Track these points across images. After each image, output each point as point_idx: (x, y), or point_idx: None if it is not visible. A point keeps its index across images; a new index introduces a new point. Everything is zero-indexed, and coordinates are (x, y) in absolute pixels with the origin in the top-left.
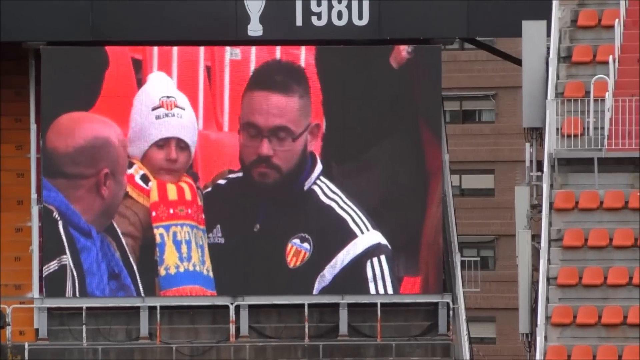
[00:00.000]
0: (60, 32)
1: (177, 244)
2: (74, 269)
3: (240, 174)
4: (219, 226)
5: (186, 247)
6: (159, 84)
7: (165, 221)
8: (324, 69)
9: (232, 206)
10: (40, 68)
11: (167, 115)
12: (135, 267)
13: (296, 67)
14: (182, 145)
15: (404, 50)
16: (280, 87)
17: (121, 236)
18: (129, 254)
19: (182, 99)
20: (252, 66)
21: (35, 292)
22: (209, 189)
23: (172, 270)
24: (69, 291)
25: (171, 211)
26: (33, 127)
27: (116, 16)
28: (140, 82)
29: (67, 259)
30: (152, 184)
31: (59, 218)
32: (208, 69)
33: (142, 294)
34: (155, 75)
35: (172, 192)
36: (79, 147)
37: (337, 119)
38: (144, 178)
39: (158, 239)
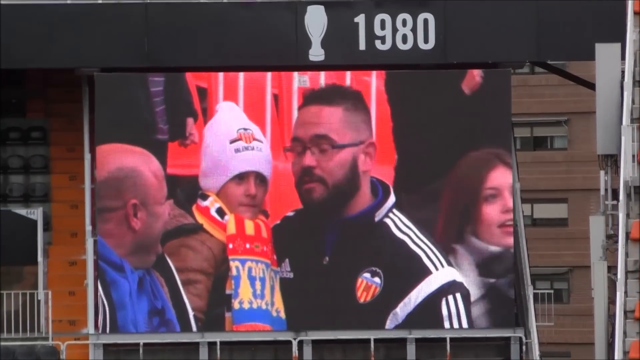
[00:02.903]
0: (114, 58)
1: (251, 279)
2: (105, 302)
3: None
4: (287, 260)
5: (260, 284)
6: (231, 115)
7: (242, 255)
8: (394, 95)
9: (301, 238)
10: (94, 95)
11: (246, 148)
12: (187, 304)
13: (349, 89)
14: (260, 179)
15: (477, 75)
16: (322, 99)
17: (175, 272)
18: (182, 290)
19: (257, 131)
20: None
21: (90, 328)
22: (278, 222)
23: (246, 305)
24: (100, 325)
25: (247, 246)
26: (87, 156)
27: (172, 41)
28: (205, 112)
29: (99, 291)
30: (229, 217)
31: None
32: (275, 97)
33: (196, 329)
34: (225, 105)
35: (249, 227)
36: (102, 179)
37: (408, 147)
38: (220, 211)
39: (234, 272)
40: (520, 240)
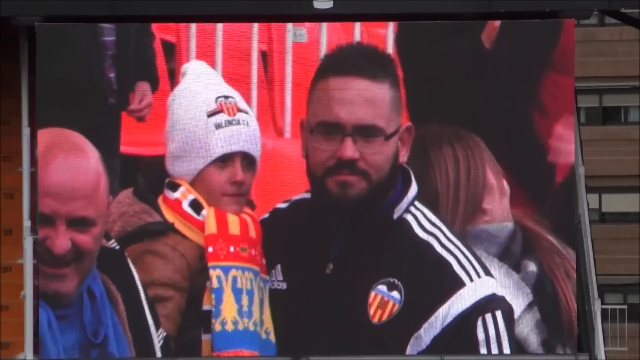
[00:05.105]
0: (61, 4)
1: (236, 292)
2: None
3: (307, 195)
4: (279, 266)
5: (247, 299)
6: (203, 79)
7: (224, 261)
8: (409, 53)
9: (297, 238)
10: (34, 52)
11: (230, 122)
12: (152, 327)
13: (383, 54)
14: (248, 161)
15: (519, 25)
16: (365, 71)
17: (140, 287)
18: (147, 311)
19: (241, 99)
20: (323, 50)
21: (28, 353)
22: (266, 215)
23: (230, 327)
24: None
25: (231, 249)
26: (26, 131)
27: None
28: (172, 74)
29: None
30: (209, 212)
31: None
32: (263, 55)
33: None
34: (193, 66)
35: (233, 224)
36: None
37: (426, 119)
38: (195, 205)
39: (215, 283)
40: (585, 241)
